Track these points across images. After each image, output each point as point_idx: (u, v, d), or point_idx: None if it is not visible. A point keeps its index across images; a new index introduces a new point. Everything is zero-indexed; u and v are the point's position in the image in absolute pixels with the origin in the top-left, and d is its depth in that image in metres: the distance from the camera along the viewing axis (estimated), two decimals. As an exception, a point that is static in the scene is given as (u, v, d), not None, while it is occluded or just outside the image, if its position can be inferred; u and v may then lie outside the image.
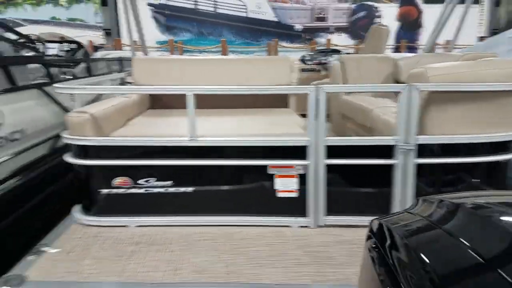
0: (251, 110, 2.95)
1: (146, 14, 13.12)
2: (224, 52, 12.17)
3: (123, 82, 3.66)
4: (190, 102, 2.05)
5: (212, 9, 13.44)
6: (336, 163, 2.12)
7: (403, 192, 2.13)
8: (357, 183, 2.18)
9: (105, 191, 2.15)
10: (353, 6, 14.42)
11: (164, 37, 13.04)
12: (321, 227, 2.19)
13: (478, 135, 2.07)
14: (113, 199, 2.16)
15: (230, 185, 2.18)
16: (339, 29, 14.38)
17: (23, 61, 3.27)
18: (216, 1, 13.24)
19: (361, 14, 14.40)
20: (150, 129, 2.39)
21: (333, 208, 2.19)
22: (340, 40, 13.79)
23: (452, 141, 2.08)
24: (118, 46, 11.62)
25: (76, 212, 2.25)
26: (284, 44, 14.04)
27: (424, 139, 2.08)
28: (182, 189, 2.17)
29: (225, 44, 12.26)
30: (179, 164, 2.12)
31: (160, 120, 2.66)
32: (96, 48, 13.02)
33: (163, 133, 2.24)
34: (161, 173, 2.14)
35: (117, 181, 2.14)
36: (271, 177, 2.15)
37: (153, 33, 12.90)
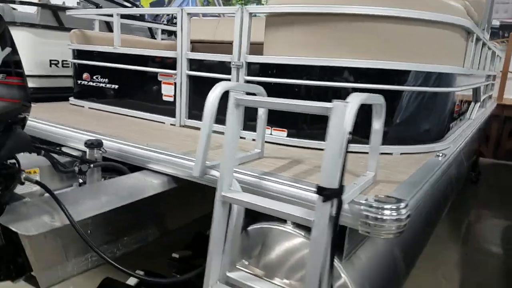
0: None
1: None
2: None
3: None
4: (115, 23, 2.93)
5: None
6: (194, 74, 2.61)
7: None
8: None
9: (79, 81, 3.28)
10: None
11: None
12: (182, 127, 2.71)
13: (305, 57, 2.18)
14: (82, 88, 3.27)
15: (138, 87, 2.94)
16: (551, 26, 11.64)
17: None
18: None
19: None
20: None
21: (193, 113, 2.68)
22: (552, 39, 11.07)
23: (276, 61, 2.26)
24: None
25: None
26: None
27: (252, 58, 2.33)
28: (113, 86, 3.08)
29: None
30: (108, 66, 3.04)
31: None
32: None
33: None
34: (102, 73, 3.11)
35: (84, 75, 3.23)
36: (160, 83, 2.82)
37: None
